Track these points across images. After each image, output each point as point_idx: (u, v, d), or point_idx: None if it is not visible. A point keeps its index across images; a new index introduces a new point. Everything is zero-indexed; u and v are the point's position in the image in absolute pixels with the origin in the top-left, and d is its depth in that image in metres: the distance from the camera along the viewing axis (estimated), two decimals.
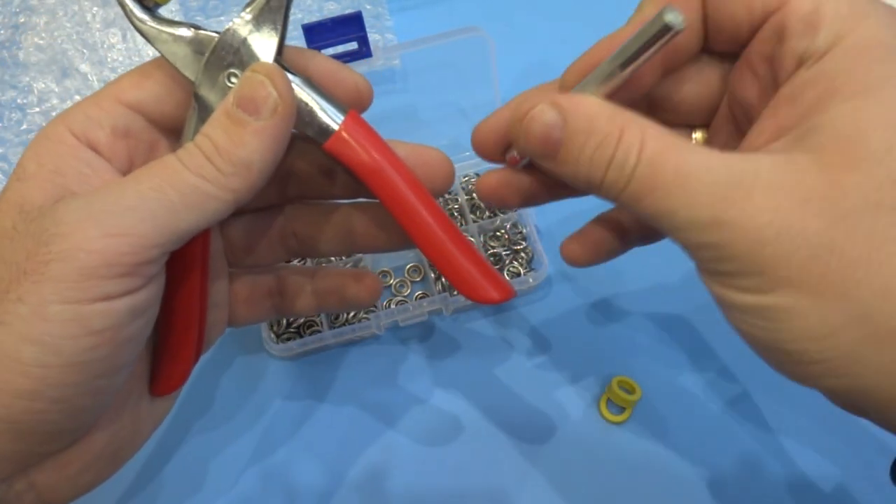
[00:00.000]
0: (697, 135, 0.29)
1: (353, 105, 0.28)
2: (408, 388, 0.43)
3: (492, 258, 0.46)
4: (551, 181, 0.29)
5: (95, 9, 0.54)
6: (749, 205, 0.21)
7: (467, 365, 0.43)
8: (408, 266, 0.46)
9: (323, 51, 0.36)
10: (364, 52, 0.41)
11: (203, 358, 0.32)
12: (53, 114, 0.51)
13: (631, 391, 0.41)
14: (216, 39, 0.26)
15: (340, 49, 0.41)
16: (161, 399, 0.31)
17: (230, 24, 0.26)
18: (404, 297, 0.45)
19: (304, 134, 0.27)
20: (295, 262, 0.44)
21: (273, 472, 0.41)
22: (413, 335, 0.44)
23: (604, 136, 0.23)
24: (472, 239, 0.45)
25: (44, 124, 0.32)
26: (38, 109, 0.51)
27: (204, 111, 0.26)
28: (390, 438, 0.41)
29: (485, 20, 0.50)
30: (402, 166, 0.28)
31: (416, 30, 0.53)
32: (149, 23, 0.26)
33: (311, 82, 0.27)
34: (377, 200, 0.28)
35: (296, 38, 0.38)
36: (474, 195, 0.47)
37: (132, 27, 0.26)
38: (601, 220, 0.31)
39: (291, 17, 0.27)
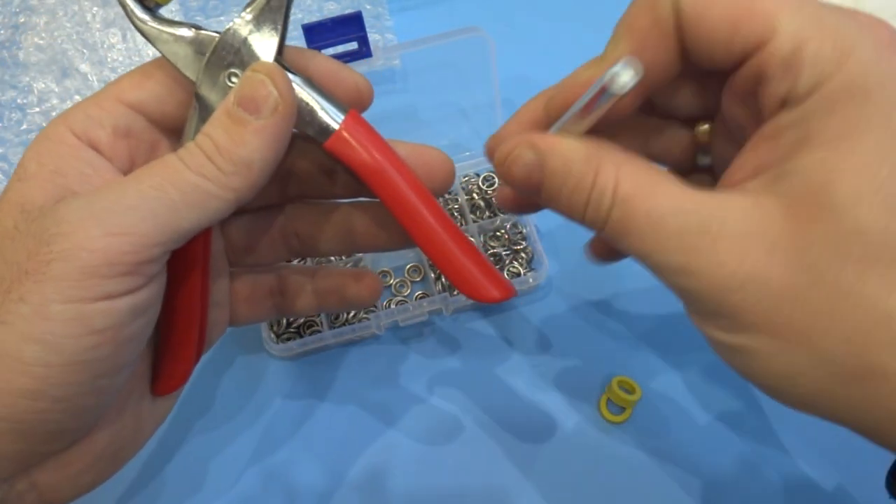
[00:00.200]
0: (703, 127, 0.28)
1: (353, 105, 0.28)
2: (408, 388, 0.43)
3: (492, 258, 0.46)
4: None
5: (95, 9, 0.54)
6: (715, 254, 0.22)
7: (467, 365, 0.43)
8: (408, 266, 0.46)
9: (323, 51, 0.36)
10: (364, 52, 0.41)
11: (203, 358, 0.32)
12: (53, 114, 0.51)
13: (631, 391, 0.41)
14: (217, 39, 0.26)
15: (340, 49, 0.41)
16: (162, 399, 0.31)
17: (231, 23, 0.26)
18: (404, 297, 0.46)
19: (304, 133, 0.27)
20: (295, 261, 0.44)
21: (273, 472, 0.41)
22: (413, 335, 0.44)
23: (579, 178, 0.24)
24: (472, 239, 0.45)
25: (44, 124, 0.32)
26: (38, 109, 0.51)
27: (205, 111, 0.26)
28: (390, 438, 0.41)
29: (485, 20, 0.50)
30: (402, 166, 0.28)
31: (416, 30, 0.53)
32: (150, 23, 0.26)
33: (311, 82, 0.27)
34: (378, 200, 0.28)
35: (296, 38, 0.38)
36: (474, 195, 0.47)
37: (132, 27, 0.26)
38: None
39: (291, 17, 0.27)
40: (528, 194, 0.26)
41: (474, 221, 0.46)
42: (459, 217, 0.47)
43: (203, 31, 0.26)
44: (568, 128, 0.25)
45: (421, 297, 0.45)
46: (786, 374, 0.22)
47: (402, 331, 0.44)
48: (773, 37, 0.21)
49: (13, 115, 0.51)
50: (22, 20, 0.53)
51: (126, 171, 0.27)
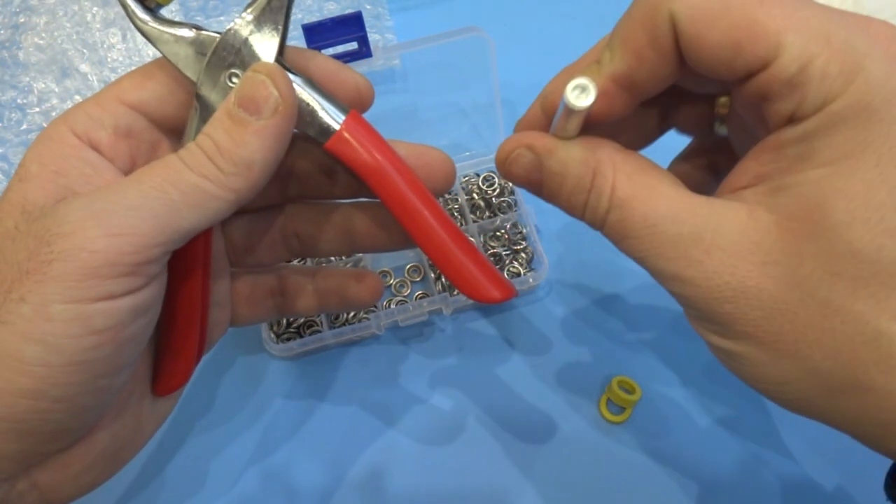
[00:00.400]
0: (723, 99, 0.27)
1: (353, 105, 0.28)
2: (408, 388, 0.43)
3: (492, 258, 0.46)
4: None
5: (95, 9, 0.54)
6: (707, 264, 0.22)
7: (467, 365, 0.43)
8: (408, 266, 0.47)
9: (323, 51, 0.36)
10: (364, 52, 0.41)
11: (203, 358, 0.32)
12: (53, 114, 0.51)
13: (631, 391, 0.41)
14: (217, 40, 0.26)
15: (340, 49, 0.41)
16: (163, 399, 0.31)
17: (231, 24, 0.26)
18: (404, 297, 0.46)
19: (305, 134, 0.27)
20: (295, 262, 0.44)
21: (273, 471, 0.41)
22: (413, 335, 0.44)
23: (577, 180, 0.24)
24: (472, 239, 0.45)
25: (44, 124, 0.32)
26: (38, 109, 0.51)
27: (205, 111, 0.26)
28: (390, 438, 0.41)
29: (485, 20, 0.50)
30: (403, 166, 0.28)
31: (416, 30, 0.53)
32: (150, 23, 0.26)
33: (312, 82, 0.27)
34: (378, 200, 0.28)
35: (296, 38, 0.38)
36: (474, 195, 0.47)
37: (133, 27, 0.26)
38: None
39: (291, 17, 0.27)
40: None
41: (474, 221, 0.46)
42: (459, 217, 0.47)
43: (204, 32, 0.26)
44: (563, 126, 0.25)
45: (421, 297, 0.45)
46: (776, 380, 0.22)
47: (402, 331, 0.44)
48: (778, 56, 0.20)
49: (13, 115, 0.51)
50: (22, 20, 0.53)
51: (127, 172, 0.27)
